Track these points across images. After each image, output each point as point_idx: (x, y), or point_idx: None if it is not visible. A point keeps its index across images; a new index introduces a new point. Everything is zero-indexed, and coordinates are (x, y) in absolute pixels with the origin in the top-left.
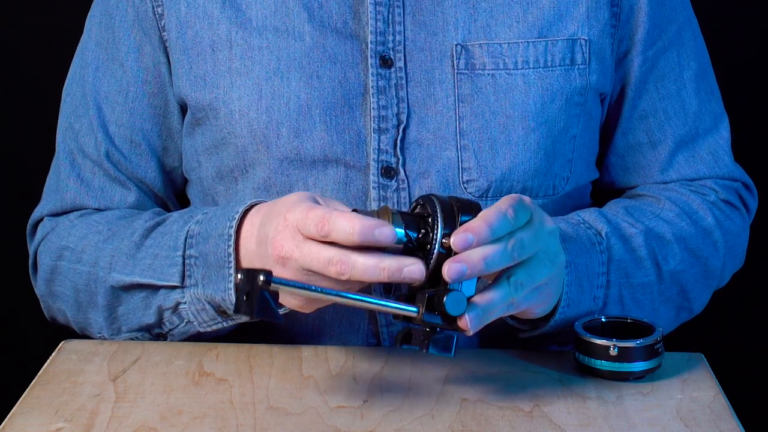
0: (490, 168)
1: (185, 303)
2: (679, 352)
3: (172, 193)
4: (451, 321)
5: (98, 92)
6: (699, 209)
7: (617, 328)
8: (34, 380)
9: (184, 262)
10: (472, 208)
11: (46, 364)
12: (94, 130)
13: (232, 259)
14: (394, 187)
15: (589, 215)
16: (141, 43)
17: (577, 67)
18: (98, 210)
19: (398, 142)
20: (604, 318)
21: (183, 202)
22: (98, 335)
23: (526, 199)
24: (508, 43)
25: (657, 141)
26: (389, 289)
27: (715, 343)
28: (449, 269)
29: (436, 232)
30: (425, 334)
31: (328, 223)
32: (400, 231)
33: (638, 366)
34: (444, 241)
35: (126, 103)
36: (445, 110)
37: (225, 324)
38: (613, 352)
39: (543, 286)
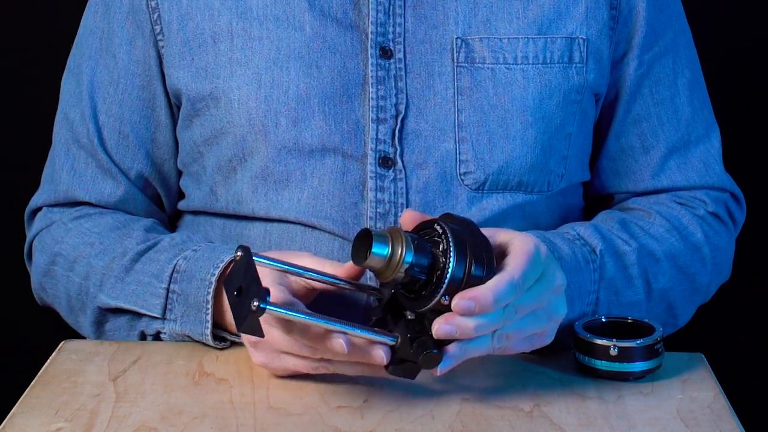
0: (488, 161)
1: (165, 334)
2: (679, 352)
3: (163, 185)
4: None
5: (92, 82)
6: (689, 225)
7: (617, 328)
8: (34, 380)
9: (167, 296)
10: (483, 261)
11: (46, 364)
12: (87, 120)
13: (210, 306)
14: (392, 177)
15: (585, 230)
16: (133, 36)
17: (574, 65)
18: (89, 204)
19: (396, 132)
20: (605, 318)
21: (177, 195)
22: (87, 336)
23: (543, 249)
24: (508, 38)
25: (649, 146)
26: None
27: (715, 343)
28: (439, 329)
29: (442, 282)
30: (393, 356)
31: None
32: (409, 257)
33: (638, 366)
34: (445, 298)
35: (116, 94)
36: (443, 102)
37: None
38: (613, 352)
39: (534, 336)
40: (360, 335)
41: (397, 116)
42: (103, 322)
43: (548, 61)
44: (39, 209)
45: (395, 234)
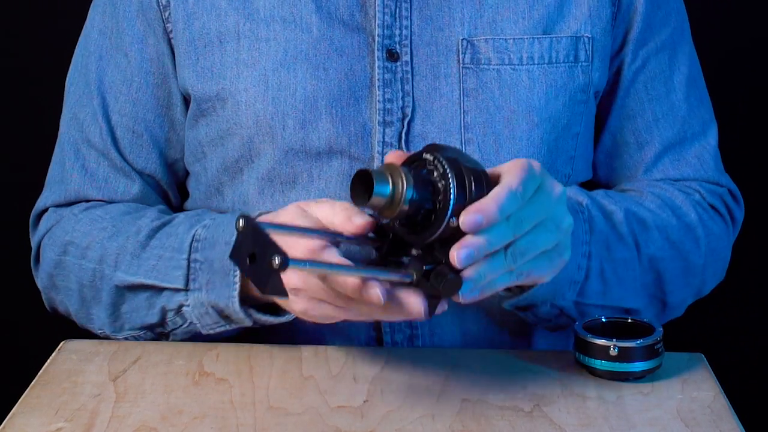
0: (494, 162)
1: (188, 306)
2: (679, 352)
3: (175, 185)
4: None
5: (102, 81)
6: (682, 205)
7: (617, 328)
8: (34, 380)
9: (189, 266)
10: (481, 180)
11: (46, 364)
12: (99, 120)
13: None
14: None
15: (569, 189)
16: (145, 34)
17: (580, 64)
18: (102, 201)
19: (403, 135)
20: (604, 318)
21: (183, 194)
22: (99, 331)
23: (535, 164)
24: (514, 39)
25: (644, 142)
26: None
27: (715, 343)
28: (458, 255)
29: (448, 204)
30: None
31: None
32: (411, 189)
33: (638, 366)
34: (453, 219)
35: (129, 93)
36: (449, 104)
37: (228, 327)
38: (613, 352)
39: (551, 252)
40: (380, 278)
41: (403, 119)
42: (119, 304)
43: (554, 61)
44: (45, 211)
45: (393, 170)
